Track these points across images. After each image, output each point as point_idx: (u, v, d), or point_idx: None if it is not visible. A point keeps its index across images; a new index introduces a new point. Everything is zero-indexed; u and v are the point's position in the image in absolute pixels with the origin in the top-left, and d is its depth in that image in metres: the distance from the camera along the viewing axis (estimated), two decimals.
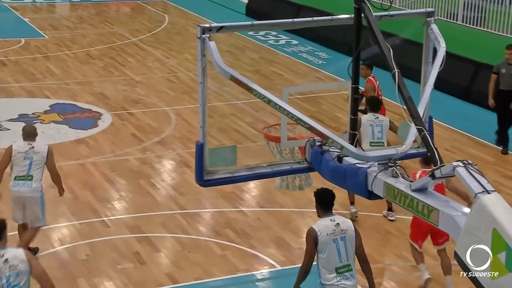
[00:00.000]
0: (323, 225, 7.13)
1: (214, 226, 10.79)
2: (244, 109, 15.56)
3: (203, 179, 6.17)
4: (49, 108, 15.57)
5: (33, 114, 15.08)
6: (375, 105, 10.89)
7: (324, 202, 7.23)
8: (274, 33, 22.61)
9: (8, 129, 14.18)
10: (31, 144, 9.36)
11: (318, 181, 6.93)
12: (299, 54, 20.57)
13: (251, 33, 22.00)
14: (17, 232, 9.51)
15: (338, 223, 7.14)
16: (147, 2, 27.96)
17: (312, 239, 7.10)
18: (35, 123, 13.88)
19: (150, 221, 10.81)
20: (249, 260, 9.81)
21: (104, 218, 10.82)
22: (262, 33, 22.48)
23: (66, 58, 19.59)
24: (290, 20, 6.61)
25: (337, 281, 7.07)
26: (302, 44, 21.54)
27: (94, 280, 9.22)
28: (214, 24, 5.85)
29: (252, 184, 11.93)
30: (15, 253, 6.54)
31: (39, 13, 25.86)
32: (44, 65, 18.86)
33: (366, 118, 10.59)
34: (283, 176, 6.80)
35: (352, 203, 10.75)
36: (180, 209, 11.18)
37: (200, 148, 6.08)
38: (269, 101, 5.70)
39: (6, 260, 6.46)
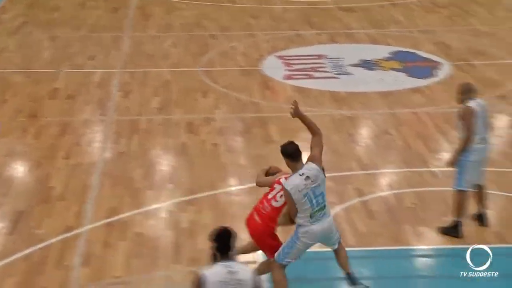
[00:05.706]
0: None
1: None
2: None
3: None
4: (390, 55, 15.66)
5: (373, 60, 15.29)
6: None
7: None
8: None
9: (352, 74, 14.59)
10: None
11: None
12: None
13: None
14: None
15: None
16: None
17: None
18: (375, 69, 14.08)
19: None
20: None
21: (434, 169, 10.69)
22: None
23: (412, 7, 19.45)
24: None
25: None
26: None
27: (419, 228, 9.15)
28: None
29: None
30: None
31: None
32: (390, 12, 18.95)
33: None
34: None
35: None
36: None
37: None
38: None
39: None
